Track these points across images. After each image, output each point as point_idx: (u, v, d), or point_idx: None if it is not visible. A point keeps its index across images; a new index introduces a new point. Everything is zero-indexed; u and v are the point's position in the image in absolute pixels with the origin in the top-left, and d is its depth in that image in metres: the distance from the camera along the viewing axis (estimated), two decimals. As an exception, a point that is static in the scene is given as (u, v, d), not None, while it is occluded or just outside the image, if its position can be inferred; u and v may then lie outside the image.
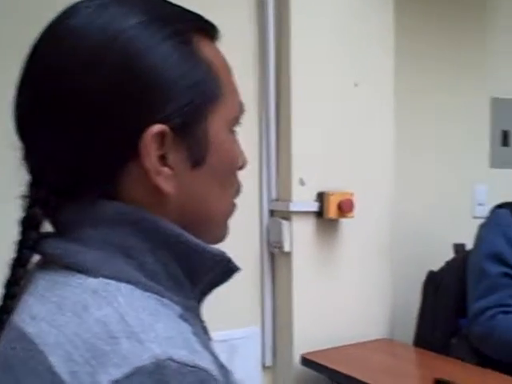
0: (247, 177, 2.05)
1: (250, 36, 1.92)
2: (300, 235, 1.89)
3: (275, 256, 1.95)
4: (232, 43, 1.89)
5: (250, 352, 1.93)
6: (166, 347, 0.52)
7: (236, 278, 2.08)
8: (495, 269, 1.69)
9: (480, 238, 1.79)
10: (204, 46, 0.66)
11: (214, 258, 0.68)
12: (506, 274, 1.68)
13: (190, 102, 0.63)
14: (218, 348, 2.12)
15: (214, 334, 2.02)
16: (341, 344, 1.91)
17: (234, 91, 0.70)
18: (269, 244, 1.93)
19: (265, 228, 1.93)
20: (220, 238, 0.74)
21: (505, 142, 2.45)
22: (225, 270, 0.70)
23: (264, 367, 1.96)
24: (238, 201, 2.17)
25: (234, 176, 0.72)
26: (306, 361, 1.82)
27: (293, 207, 1.87)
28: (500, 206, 1.81)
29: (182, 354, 0.52)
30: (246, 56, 1.92)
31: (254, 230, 1.94)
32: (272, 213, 1.94)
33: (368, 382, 1.61)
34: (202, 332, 0.68)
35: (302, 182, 1.88)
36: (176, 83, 0.62)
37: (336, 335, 1.93)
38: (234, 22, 1.88)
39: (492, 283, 1.69)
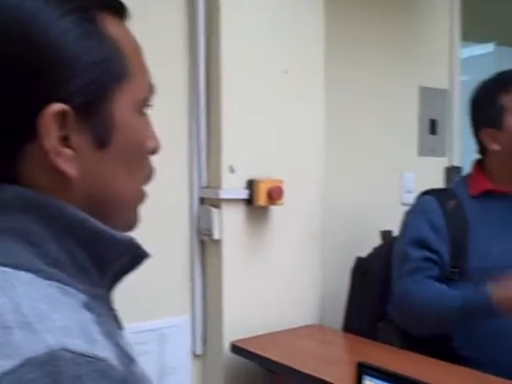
0: (177, 164, 2.04)
1: (180, 24, 1.89)
2: (230, 223, 1.88)
3: (205, 244, 1.93)
4: (162, 32, 1.88)
5: (180, 341, 1.92)
6: (61, 337, 0.50)
7: (165, 267, 2.06)
8: (417, 253, 1.72)
9: (405, 224, 1.82)
10: (109, 25, 0.64)
11: (122, 244, 0.66)
12: (427, 259, 1.71)
13: (93, 80, 0.61)
14: (147, 337, 2.08)
15: (144, 324, 2.00)
16: (271, 331, 1.92)
17: (144, 71, 0.68)
18: (199, 232, 1.92)
19: (195, 215, 1.91)
20: (130, 224, 0.71)
21: (432, 131, 2.50)
22: (134, 256, 0.68)
23: (194, 355, 1.95)
24: (168, 188, 2.14)
25: (145, 160, 0.70)
26: (235, 348, 1.82)
27: (222, 194, 1.86)
28: (426, 193, 1.84)
29: (77, 344, 0.50)
30: (176, 43, 1.88)
31: (184, 218, 1.91)
32: (202, 200, 1.92)
33: (297, 368, 1.62)
34: (110, 320, 0.66)
35: (231, 170, 1.87)
36: (78, 60, 0.60)
37: (266, 322, 1.93)
38: (163, 12, 1.85)
39: (414, 266, 1.72)
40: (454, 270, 1.70)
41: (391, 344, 1.79)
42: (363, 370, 1.25)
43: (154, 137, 0.71)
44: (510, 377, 1.53)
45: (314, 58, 2.05)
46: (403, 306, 1.73)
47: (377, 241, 2.04)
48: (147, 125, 0.70)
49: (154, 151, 0.71)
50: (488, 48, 4.09)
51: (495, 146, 1.75)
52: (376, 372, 1.23)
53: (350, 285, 2.00)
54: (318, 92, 2.06)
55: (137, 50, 0.68)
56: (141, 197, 0.71)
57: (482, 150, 1.80)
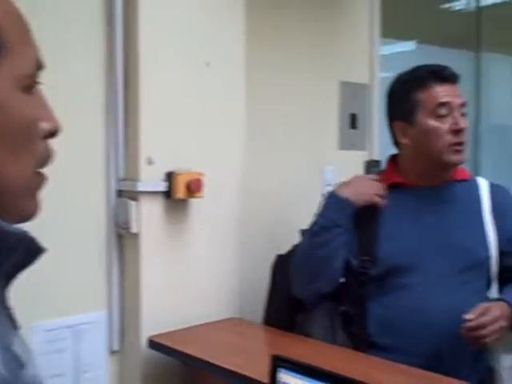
0: (93, 155, 1.98)
1: (97, 13, 1.83)
2: (148, 216, 1.84)
3: (123, 237, 1.89)
4: (78, 21, 1.81)
5: (96, 337, 1.87)
6: None
7: (81, 261, 2.00)
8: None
9: (317, 212, 1.85)
10: None
11: (14, 237, 0.61)
12: None
13: None
14: (62, 334, 2.02)
15: (58, 321, 1.93)
16: (191, 325, 1.89)
17: (27, 46, 0.63)
18: (116, 225, 1.87)
19: (112, 208, 1.87)
20: (26, 214, 0.65)
21: (352, 125, 2.53)
22: (29, 250, 0.64)
23: (111, 352, 1.90)
24: (83, 180, 2.06)
25: (35, 142, 0.64)
26: (153, 343, 1.78)
27: (140, 187, 1.82)
28: None
29: None
30: (92, 33, 1.82)
31: (101, 211, 1.86)
32: (120, 193, 1.88)
33: (215, 362, 1.61)
34: (2, 321, 0.62)
35: (150, 162, 1.83)
36: None
37: (186, 316, 1.91)
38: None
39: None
40: (364, 259, 1.74)
41: (307, 335, 1.80)
42: (277, 362, 1.25)
43: (48, 118, 0.66)
44: (422, 364, 1.57)
45: (235, 51, 2.03)
46: (292, 270, 1.81)
47: (297, 237, 2.04)
48: (37, 104, 0.65)
49: (50, 133, 0.66)
50: (410, 46, 4.19)
51: (405, 140, 1.79)
52: (290, 364, 1.23)
53: (269, 281, 2.00)
54: (238, 85, 2.05)
55: (18, 23, 0.63)
56: (36, 182, 0.66)
57: (396, 142, 1.84)
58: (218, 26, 1.98)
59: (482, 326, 1.53)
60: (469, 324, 1.53)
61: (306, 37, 2.40)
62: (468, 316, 1.53)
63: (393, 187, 1.81)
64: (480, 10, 3.63)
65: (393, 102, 1.83)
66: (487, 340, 1.54)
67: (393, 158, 1.88)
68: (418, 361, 1.59)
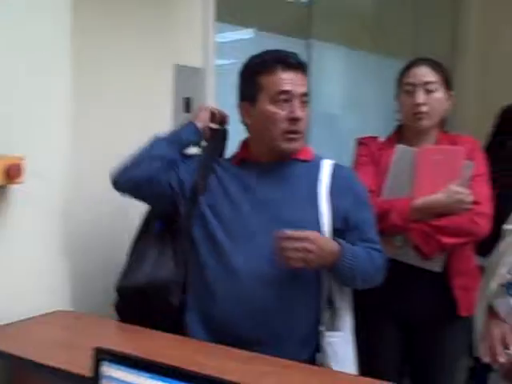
0: None
1: None
2: (-41, 204, 1.69)
3: None
4: None
5: None
6: None
7: None
8: None
9: None
10: None
11: None
12: None
13: None
14: None
15: None
16: (11, 321, 1.76)
17: None
18: None
19: None
20: None
21: (187, 109, 2.51)
22: None
23: None
24: None
25: None
26: (-36, 343, 1.63)
27: (-51, 173, 1.66)
28: None
29: None
30: None
31: None
32: None
33: (31, 358, 1.51)
34: None
35: (-39, 144, 1.67)
36: None
37: (7, 311, 1.77)
38: None
39: None
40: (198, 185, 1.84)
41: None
42: (100, 355, 1.18)
43: None
44: (248, 341, 1.64)
45: (59, 30, 1.93)
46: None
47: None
48: None
49: None
50: (249, 33, 4.25)
51: (247, 120, 1.85)
52: (113, 356, 1.17)
53: None
54: (63, 66, 1.94)
55: None
56: None
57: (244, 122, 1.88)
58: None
59: (289, 239, 1.60)
60: (278, 234, 1.61)
61: (139, 19, 2.30)
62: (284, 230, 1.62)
63: (242, 162, 1.88)
64: (312, 1, 3.75)
65: (241, 82, 1.87)
66: (290, 254, 1.61)
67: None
68: (240, 337, 1.66)
